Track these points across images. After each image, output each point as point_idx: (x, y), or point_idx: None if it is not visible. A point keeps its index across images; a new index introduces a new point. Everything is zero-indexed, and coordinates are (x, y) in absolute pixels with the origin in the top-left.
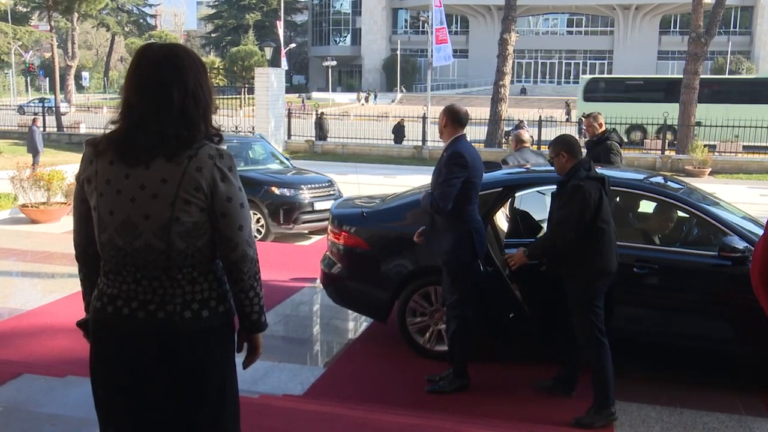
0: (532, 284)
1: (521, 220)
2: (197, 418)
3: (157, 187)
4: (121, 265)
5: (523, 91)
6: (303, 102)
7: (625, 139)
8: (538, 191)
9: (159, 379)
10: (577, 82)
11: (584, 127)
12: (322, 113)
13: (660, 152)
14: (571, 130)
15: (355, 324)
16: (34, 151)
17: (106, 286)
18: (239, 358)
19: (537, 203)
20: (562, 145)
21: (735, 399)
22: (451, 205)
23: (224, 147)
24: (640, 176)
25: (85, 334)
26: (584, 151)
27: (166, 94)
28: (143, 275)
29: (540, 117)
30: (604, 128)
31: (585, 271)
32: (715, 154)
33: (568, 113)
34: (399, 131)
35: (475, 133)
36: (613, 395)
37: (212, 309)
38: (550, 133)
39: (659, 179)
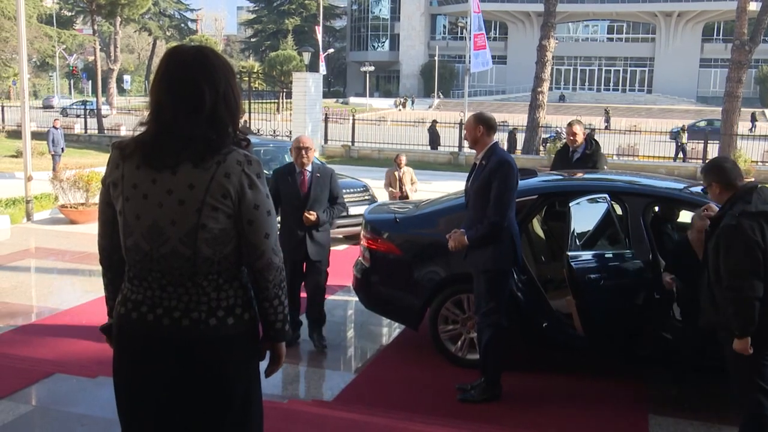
0: (591, 299)
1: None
2: (222, 425)
3: (184, 193)
4: (146, 271)
5: (562, 98)
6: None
7: None
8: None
9: (183, 385)
10: (617, 90)
11: (566, 136)
12: (434, 121)
13: (701, 161)
14: (611, 138)
15: (387, 330)
16: (52, 152)
17: (131, 292)
18: (263, 366)
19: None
20: (711, 173)
21: None
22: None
23: (252, 152)
24: (680, 186)
25: (108, 340)
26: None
27: (198, 95)
28: (168, 281)
29: None
30: (585, 135)
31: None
32: (759, 163)
33: (607, 120)
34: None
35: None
36: None
37: (237, 316)
38: None
39: (699, 189)
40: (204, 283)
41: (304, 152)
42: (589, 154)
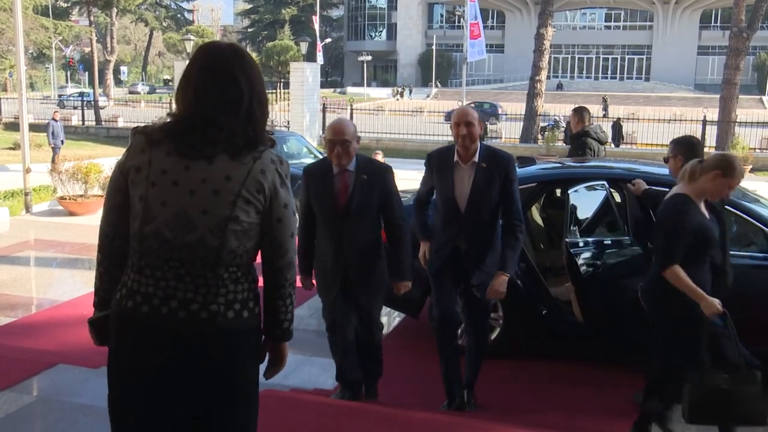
0: (594, 291)
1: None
2: (230, 418)
3: (220, 184)
4: (162, 260)
5: (560, 87)
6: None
7: None
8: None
9: (194, 380)
10: (615, 78)
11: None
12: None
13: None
14: (609, 126)
15: (387, 319)
16: (52, 145)
17: (139, 284)
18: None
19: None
20: (680, 147)
21: None
22: None
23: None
24: None
25: (93, 333)
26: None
27: (238, 91)
28: (187, 271)
29: None
30: (582, 125)
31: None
32: (756, 150)
33: (605, 109)
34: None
35: (510, 128)
36: None
37: (250, 309)
38: None
39: None
40: (225, 275)
41: (339, 147)
42: (576, 135)
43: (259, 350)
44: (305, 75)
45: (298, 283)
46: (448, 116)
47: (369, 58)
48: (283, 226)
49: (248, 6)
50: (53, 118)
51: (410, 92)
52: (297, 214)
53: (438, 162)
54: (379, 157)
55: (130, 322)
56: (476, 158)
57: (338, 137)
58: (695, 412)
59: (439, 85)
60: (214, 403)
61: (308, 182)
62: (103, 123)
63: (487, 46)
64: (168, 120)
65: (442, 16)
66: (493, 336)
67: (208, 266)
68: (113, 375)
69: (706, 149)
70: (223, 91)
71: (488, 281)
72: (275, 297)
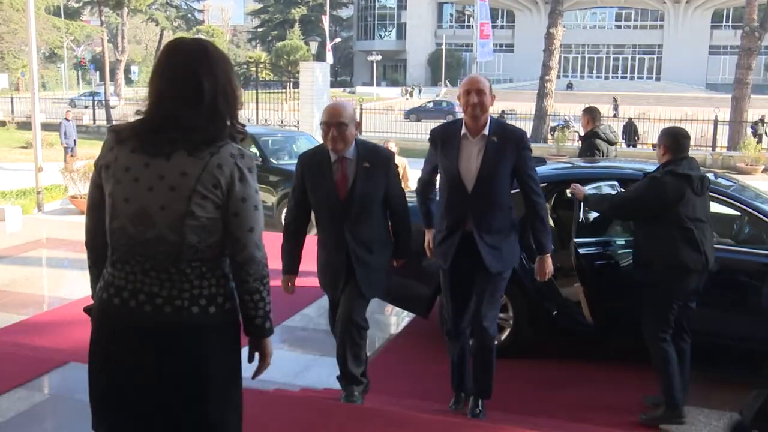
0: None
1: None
2: (201, 415)
3: (176, 180)
4: (129, 255)
5: (570, 86)
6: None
7: None
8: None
9: (164, 374)
10: (625, 78)
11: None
12: (503, 112)
13: (711, 149)
14: (619, 126)
15: (396, 319)
16: (64, 144)
17: (112, 277)
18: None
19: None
20: (666, 137)
21: None
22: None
23: (247, 146)
24: None
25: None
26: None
27: (198, 87)
28: (152, 266)
29: None
30: (592, 125)
31: (662, 267)
32: None
33: (616, 109)
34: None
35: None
36: (678, 395)
37: (219, 305)
38: None
39: (710, 176)
40: (188, 270)
41: (335, 130)
42: (585, 135)
43: (231, 346)
44: (315, 75)
45: (278, 282)
46: (407, 115)
47: (378, 57)
48: (240, 221)
49: (258, 6)
50: (65, 118)
51: (420, 92)
52: (259, 209)
53: (443, 136)
54: (391, 145)
55: (104, 314)
56: (486, 131)
57: (333, 119)
58: (760, 417)
59: (448, 84)
60: (182, 399)
61: (303, 171)
62: (114, 122)
63: (497, 46)
64: (138, 118)
65: (451, 15)
66: (503, 336)
67: (170, 261)
68: (90, 366)
69: (717, 149)
70: (183, 88)
71: (504, 269)
72: (241, 292)
